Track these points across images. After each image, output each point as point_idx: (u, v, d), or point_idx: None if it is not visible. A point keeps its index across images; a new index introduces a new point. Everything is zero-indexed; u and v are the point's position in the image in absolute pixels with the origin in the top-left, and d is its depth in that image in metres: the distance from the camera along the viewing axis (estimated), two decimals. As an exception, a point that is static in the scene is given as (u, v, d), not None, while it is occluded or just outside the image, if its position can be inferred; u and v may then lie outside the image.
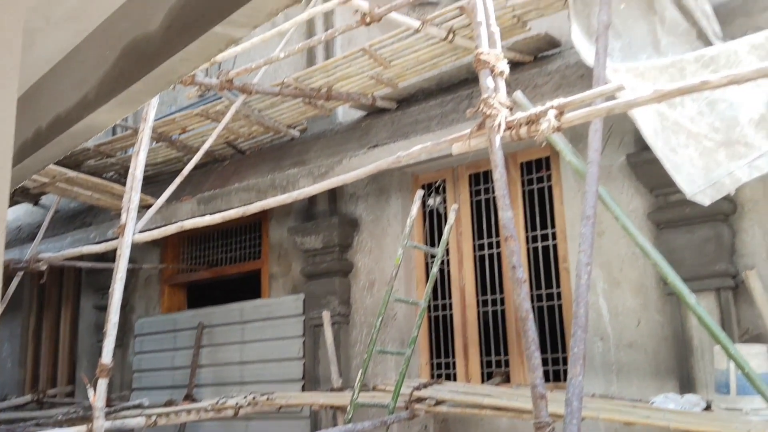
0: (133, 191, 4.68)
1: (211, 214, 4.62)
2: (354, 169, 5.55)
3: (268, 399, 5.19)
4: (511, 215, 3.08)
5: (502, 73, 3.22)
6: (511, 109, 3.18)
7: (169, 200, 6.77)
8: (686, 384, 4.42)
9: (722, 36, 3.90)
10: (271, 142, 6.92)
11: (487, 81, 3.20)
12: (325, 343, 5.90)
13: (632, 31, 4.15)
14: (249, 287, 7.39)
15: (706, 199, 3.58)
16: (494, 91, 3.18)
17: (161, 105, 8.45)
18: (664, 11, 4.02)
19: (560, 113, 2.93)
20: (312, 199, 6.59)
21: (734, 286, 4.41)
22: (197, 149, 6.67)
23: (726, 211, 4.44)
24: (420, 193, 4.81)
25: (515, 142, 3.21)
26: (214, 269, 7.56)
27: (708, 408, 3.98)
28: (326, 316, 5.89)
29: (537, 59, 5.24)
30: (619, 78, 3.39)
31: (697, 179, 3.54)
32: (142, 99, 3.44)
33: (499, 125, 3.07)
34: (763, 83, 3.42)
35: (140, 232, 4.70)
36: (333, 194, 6.46)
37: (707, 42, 3.85)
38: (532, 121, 3.00)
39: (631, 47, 4.08)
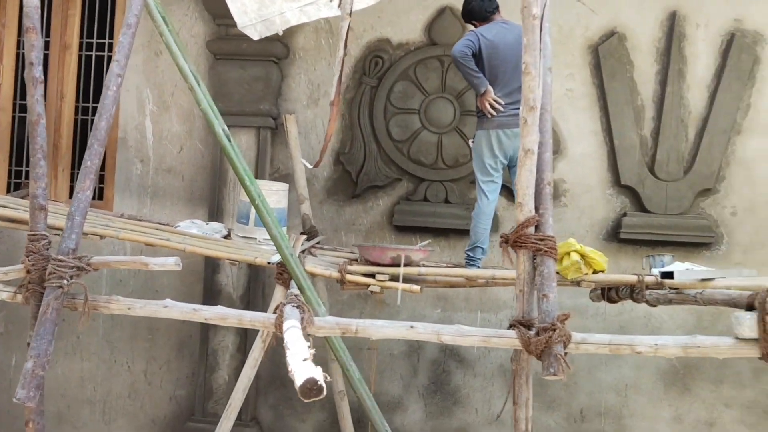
0: None
1: None
2: None
3: None
4: (37, 3, 2.67)
5: None
6: None
7: None
8: (215, 212, 4.65)
9: None
10: None
11: None
12: None
13: None
14: None
15: (255, 34, 3.63)
16: None
17: None
18: None
19: None
20: None
21: (274, 127, 4.68)
22: None
23: (279, 55, 4.61)
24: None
25: None
26: None
27: (228, 236, 4.24)
28: None
29: None
30: None
31: (250, 12, 3.54)
32: None
33: None
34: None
35: None
36: None
37: None
38: None
39: None
